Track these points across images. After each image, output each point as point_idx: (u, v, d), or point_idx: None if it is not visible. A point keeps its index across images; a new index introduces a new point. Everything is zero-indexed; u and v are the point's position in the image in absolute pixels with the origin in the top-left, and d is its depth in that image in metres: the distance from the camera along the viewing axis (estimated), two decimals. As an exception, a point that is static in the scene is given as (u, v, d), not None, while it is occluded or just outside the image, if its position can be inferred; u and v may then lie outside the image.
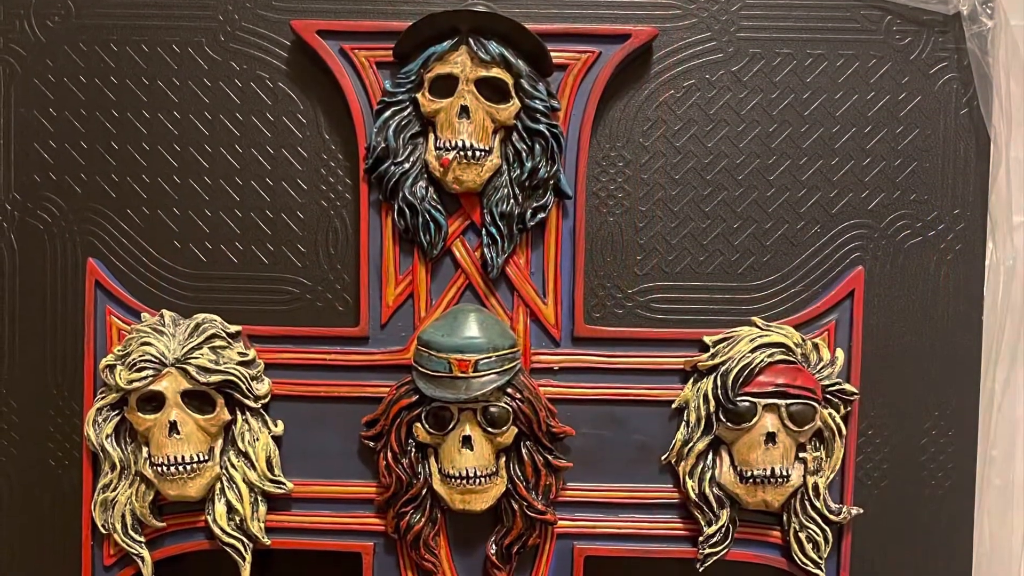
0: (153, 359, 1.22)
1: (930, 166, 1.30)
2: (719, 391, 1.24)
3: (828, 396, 1.26)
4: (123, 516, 1.27)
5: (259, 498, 1.28)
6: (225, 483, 1.27)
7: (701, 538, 1.27)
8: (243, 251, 1.31)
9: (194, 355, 1.23)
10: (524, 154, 1.25)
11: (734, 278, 1.31)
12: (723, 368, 1.24)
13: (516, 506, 1.26)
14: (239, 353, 1.26)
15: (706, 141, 1.30)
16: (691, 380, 1.28)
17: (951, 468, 1.32)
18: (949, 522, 1.32)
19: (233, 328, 1.28)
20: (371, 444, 1.27)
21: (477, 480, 1.23)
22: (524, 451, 1.25)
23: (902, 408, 1.31)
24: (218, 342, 1.26)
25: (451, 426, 1.23)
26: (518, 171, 1.25)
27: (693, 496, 1.27)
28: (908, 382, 1.31)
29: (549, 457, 1.26)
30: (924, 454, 1.32)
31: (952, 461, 1.32)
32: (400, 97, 1.25)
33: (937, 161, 1.30)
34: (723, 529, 1.26)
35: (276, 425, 1.28)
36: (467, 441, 1.22)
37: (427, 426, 1.24)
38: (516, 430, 1.24)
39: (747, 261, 1.31)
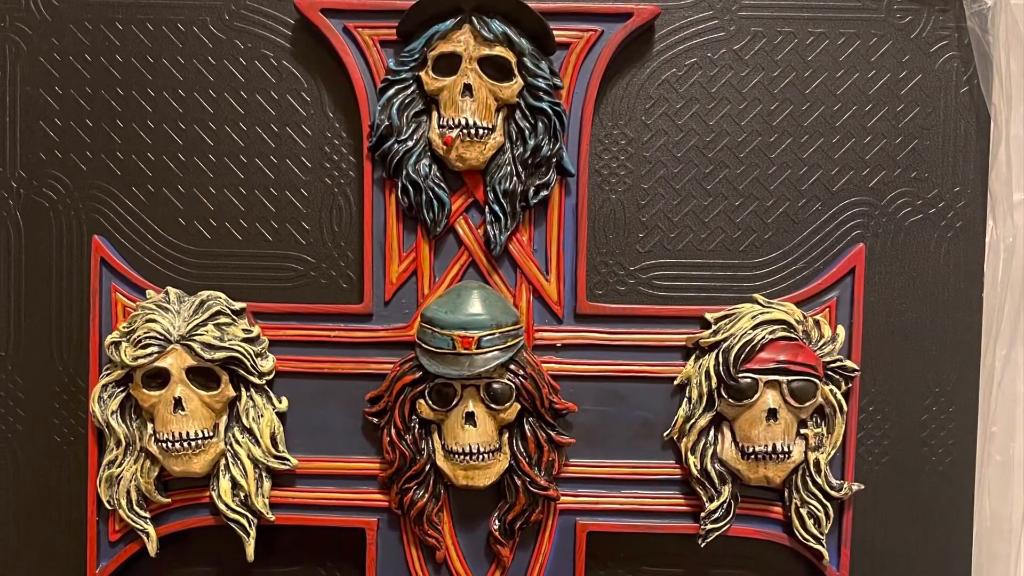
0: (158, 336, 1.23)
1: (930, 144, 1.30)
2: (721, 368, 1.25)
3: (829, 373, 1.27)
4: (128, 492, 1.28)
5: (263, 474, 1.28)
6: (230, 459, 1.27)
7: (703, 514, 1.28)
8: (247, 228, 1.32)
9: (199, 332, 1.24)
10: (527, 132, 1.26)
11: (735, 255, 1.32)
12: (725, 345, 1.25)
13: (519, 482, 1.26)
14: (243, 330, 1.27)
15: (708, 119, 1.31)
16: (693, 357, 1.29)
17: (951, 444, 1.33)
18: (949, 498, 1.33)
19: (238, 305, 1.28)
20: (375, 420, 1.28)
21: (480, 456, 1.24)
22: (527, 427, 1.26)
23: (903, 385, 1.32)
24: (223, 319, 1.26)
25: (454, 402, 1.24)
26: (521, 149, 1.26)
27: (695, 472, 1.27)
28: (909, 359, 1.32)
29: (552, 433, 1.27)
30: (925, 430, 1.33)
31: (952, 437, 1.33)
32: (403, 75, 1.26)
33: (937, 139, 1.30)
34: (725, 505, 1.27)
35: (280, 401, 1.29)
36: (470, 417, 1.23)
37: (430, 402, 1.25)
38: (519, 406, 1.25)
39: (748, 238, 1.31)
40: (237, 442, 1.27)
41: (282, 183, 1.32)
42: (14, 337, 1.33)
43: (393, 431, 1.26)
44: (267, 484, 1.29)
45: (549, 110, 1.25)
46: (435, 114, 1.26)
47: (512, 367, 1.24)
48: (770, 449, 1.24)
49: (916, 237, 1.31)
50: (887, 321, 1.31)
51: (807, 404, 1.24)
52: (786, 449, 1.24)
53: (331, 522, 1.30)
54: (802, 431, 1.26)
